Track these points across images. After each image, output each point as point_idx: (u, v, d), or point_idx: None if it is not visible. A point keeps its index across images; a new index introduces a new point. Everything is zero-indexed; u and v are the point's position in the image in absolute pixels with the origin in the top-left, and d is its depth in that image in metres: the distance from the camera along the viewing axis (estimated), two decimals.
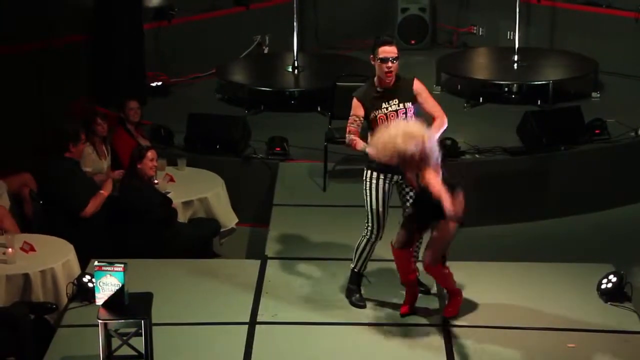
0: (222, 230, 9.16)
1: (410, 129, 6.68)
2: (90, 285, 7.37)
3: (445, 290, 7.51)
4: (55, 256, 7.89)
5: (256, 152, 10.19)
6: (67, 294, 7.70)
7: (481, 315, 7.46)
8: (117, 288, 6.45)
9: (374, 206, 7.32)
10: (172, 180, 9.23)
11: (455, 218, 6.84)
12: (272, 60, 12.78)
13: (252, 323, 7.39)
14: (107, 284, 6.46)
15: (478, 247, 9.14)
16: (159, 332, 6.84)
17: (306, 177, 9.91)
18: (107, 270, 6.45)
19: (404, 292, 7.50)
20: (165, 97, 11.92)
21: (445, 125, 7.15)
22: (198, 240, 8.89)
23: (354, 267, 7.60)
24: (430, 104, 7.24)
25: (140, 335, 6.51)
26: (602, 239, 9.68)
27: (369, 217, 7.37)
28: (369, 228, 7.40)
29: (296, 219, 9.14)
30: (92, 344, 6.69)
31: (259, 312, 7.53)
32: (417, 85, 7.24)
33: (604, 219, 10.09)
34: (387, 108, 7.20)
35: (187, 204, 9.00)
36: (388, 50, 7.16)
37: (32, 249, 7.92)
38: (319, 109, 11.32)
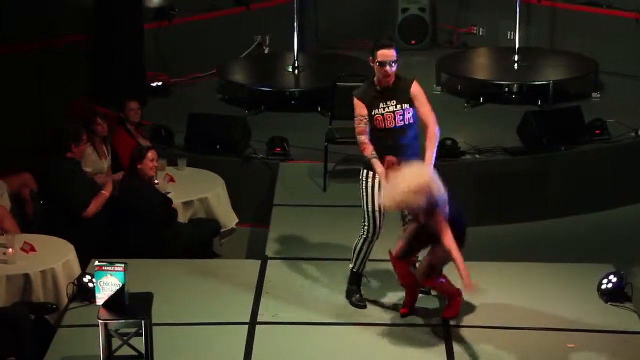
0: (222, 230, 9.15)
1: (416, 182, 6.72)
2: (90, 285, 7.37)
3: None
4: (55, 256, 7.88)
5: (257, 153, 10.19)
6: (67, 294, 7.70)
7: (481, 316, 7.46)
8: (118, 288, 6.45)
9: (371, 206, 7.31)
10: (172, 180, 9.22)
11: (465, 280, 6.84)
12: (272, 60, 12.77)
13: (253, 323, 7.39)
14: (107, 284, 6.46)
15: (478, 247, 9.08)
16: (159, 333, 6.83)
17: (306, 178, 9.90)
18: (107, 271, 6.45)
19: (404, 293, 7.51)
20: (166, 97, 11.91)
21: (438, 136, 7.16)
22: (198, 241, 8.89)
23: (353, 268, 7.59)
24: (424, 111, 7.20)
25: (141, 335, 6.51)
26: (602, 240, 9.67)
27: (366, 216, 7.36)
28: (366, 228, 7.39)
29: (296, 219, 9.14)
30: (92, 344, 6.69)
31: (259, 313, 7.53)
32: (416, 89, 7.22)
33: (605, 220, 10.08)
34: (384, 109, 7.19)
35: (187, 204, 8.99)
36: (387, 54, 7.13)
37: (33, 249, 7.92)
38: (319, 109, 11.31)
